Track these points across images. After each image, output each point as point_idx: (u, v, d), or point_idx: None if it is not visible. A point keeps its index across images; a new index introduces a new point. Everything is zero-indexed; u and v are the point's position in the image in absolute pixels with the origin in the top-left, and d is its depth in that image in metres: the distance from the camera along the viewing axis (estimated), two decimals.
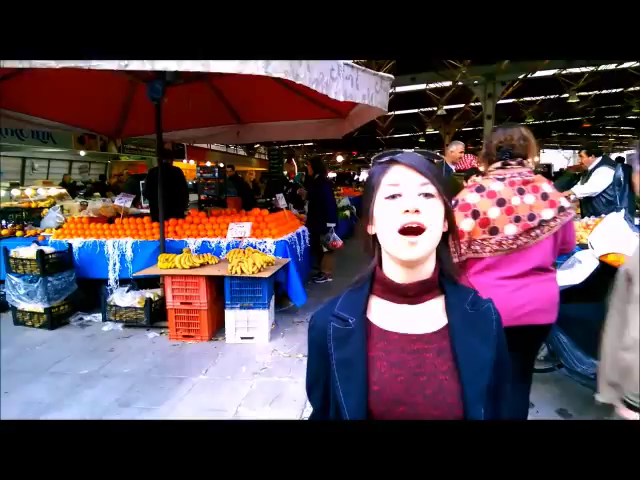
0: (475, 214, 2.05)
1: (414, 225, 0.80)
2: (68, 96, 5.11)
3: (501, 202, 2.05)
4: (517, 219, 2.04)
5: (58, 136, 11.42)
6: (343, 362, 0.86)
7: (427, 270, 0.87)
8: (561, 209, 2.08)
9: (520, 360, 2.19)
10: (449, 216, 0.88)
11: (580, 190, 5.37)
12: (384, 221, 0.85)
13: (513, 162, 2.12)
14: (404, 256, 0.82)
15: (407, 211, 0.81)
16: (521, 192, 2.06)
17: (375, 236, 0.90)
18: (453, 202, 2.22)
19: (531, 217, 2.04)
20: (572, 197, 5.33)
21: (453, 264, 0.92)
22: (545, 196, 2.07)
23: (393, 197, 0.84)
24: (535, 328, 2.13)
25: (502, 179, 2.10)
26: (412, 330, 0.87)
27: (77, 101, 5.33)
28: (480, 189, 2.10)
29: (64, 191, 9.71)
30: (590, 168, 5.52)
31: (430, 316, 0.88)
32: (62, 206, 6.98)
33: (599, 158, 5.54)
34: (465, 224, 2.06)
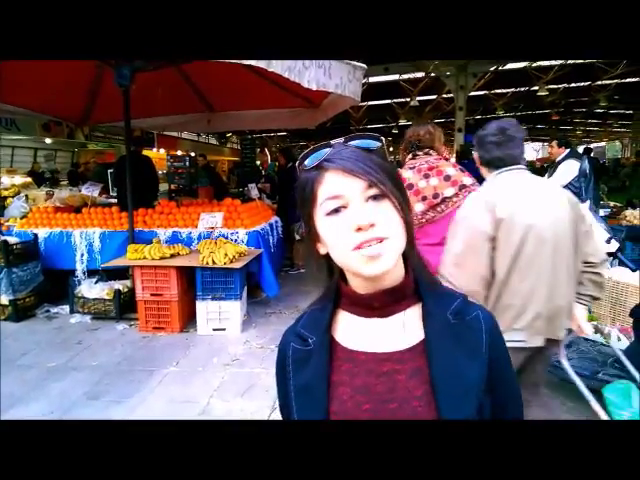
0: None
1: (373, 243, 0.66)
2: (32, 81, 4.92)
3: (410, 186, 2.49)
4: (424, 198, 2.47)
5: (22, 123, 10.98)
6: (301, 388, 0.75)
7: (394, 277, 0.73)
8: (462, 186, 2.49)
9: None
10: (405, 214, 0.71)
11: None
12: (334, 241, 0.70)
13: (420, 152, 2.58)
14: (367, 272, 0.68)
15: (360, 228, 0.66)
16: (426, 176, 2.51)
17: (328, 254, 0.75)
18: None
19: (435, 196, 2.47)
20: None
21: (424, 265, 0.79)
22: (448, 177, 2.50)
23: (337, 211, 0.69)
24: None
25: (412, 167, 2.54)
26: (382, 348, 0.74)
27: (41, 86, 5.15)
28: None
29: (29, 180, 9.39)
30: (558, 160, 5.65)
31: (405, 330, 0.74)
32: (27, 195, 6.77)
33: (568, 150, 5.68)
34: None
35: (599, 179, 9.87)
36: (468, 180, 2.52)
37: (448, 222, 2.43)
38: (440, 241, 2.40)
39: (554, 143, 5.85)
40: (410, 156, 2.62)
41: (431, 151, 2.58)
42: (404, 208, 0.71)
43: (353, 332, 0.77)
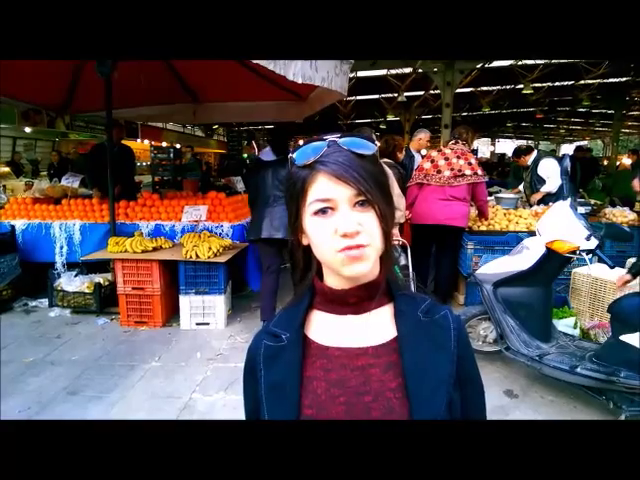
0: (432, 161, 4.31)
1: (355, 249, 0.68)
2: (9, 67, 4.78)
3: (446, 159, 4.27)
4: (452, 169, 4.21)
5: (0, 111, 10.73)
6: (273, 385, 0.75)
7: (370, 274, 0.75)
8: (475, 173, 4.22)
9: (450, 250, 4.41)
10: (386, 223, 0.73)
11: (549, 187, 5.46)
12: (318, 240, 0.72)
13: (459, 141, 4.43)
14: (346, 273, 0.70)
15: (346, 235, 0.68)
16: (458, 157, 4.26)
17: (309, 245, 0.76)
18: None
19: (459, 170, 4.19)
20: (552, 190, 5.45)
21: (394, 271, 0.81)
22: (470, 164, 4.24)
23: (324, 212, 0.71)
24: (452, 228, 4.22)
25: (451, 149, 4.35)
26: (356, 344, 0.75)
27: (20, 73, 4.98)
28: (439, 150, 4.41)
29: (7, 170, 9.17)
30: (530, 163, 5.66)
31: (377, 327, 0.77)
32: (5, 185, 6.62)
33: (534, 153, 5.72)
34: (426, 164, 4.33)
35: (594, 176, 10.12)
36: (480, 171, 4.26)
37: (459, 189, 4.16)
38: (446, 198, 4.15)
39: (514, 158, 6.05)
40: (452, 141, 4.46)
41: (464, 142, 4.41)
42: (386, 217, 0.73)
43: (327, 329, 0.78)
